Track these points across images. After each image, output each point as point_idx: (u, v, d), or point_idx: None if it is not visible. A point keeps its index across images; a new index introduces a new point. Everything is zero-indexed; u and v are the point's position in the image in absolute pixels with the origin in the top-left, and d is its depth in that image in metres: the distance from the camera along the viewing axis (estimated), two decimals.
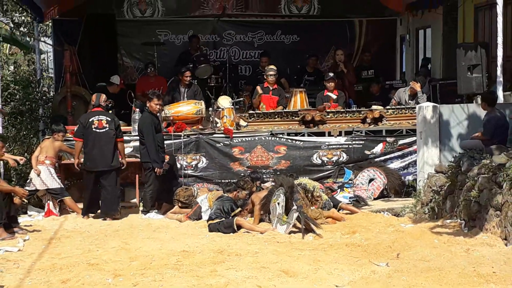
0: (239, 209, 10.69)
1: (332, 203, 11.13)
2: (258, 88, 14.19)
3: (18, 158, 11.38)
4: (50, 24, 17.13)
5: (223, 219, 10.17)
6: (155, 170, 11.46)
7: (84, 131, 11.44)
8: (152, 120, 11.58)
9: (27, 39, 19.46)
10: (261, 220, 10.71)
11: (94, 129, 11.38)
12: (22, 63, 19.99)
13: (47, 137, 12.47)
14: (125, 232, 10.25)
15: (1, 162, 11.22)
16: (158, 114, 11.91)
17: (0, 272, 7.67)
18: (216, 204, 10.49)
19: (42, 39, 18.10)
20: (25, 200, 11.16)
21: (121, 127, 12.83)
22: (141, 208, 11.84)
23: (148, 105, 11.66)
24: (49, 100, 15.13)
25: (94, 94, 12.02)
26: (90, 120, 11.44)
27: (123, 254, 8.53)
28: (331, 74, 14.20)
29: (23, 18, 19.75)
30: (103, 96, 11.72)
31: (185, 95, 14.11)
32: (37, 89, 14.87)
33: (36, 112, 14.39)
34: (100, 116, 11.43)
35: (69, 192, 11.84)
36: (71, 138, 12.03)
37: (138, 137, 11.93)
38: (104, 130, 11.37)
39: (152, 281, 7.16)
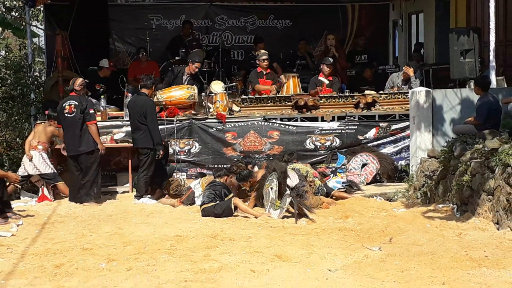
0: (231, 194, 10.69)
1: (324, 189, 11.17)
2: (258, 87, 14.05)
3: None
4: (42, 8, 17.02)
5: (218, 202, 10.18)
6: (159, 153, 11.47)
7: (60, 116, 11.44)
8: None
9: (19, 23, 19.34)
10: (254, 206, 10.74)
11: (66, 114, 11.36)
12: (13, 47, 19.89)
13: (39, 122, 12.43)
14: (119, 217, 10.25)
15: None
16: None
17: None
18: (208, 189, 10.49)
19: (33, 23, 17.98)
20: (18, 186, 11.15)
21: (113, 112, 12.84)
22: (134, 193, 11.81)
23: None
24: (41, 84, 15.07)
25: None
26: (63, 105, 11.44)
27: (116, 239, 8.54)
28: (331, 60, 14.17)
29: (14, 2, 19.63)
30: (78, 81, 11.59)
31: (186, 84, 14.00)
32: (28, 74, 14.81)
33: (28, 97, 14.33)
34: (70, 101, 11.37)
35: (62, 177, 11.81)
36: None
37: (130, 122, 11.83)
38: (72, 115, 11.31)
39: (146, 266, 7.17)
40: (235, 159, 12.49)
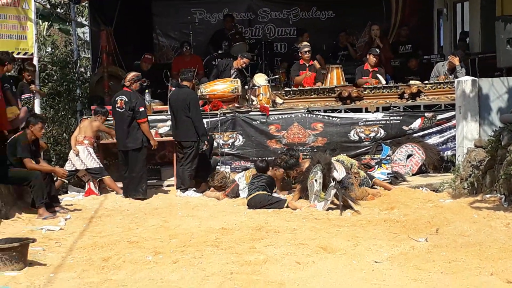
0: (276, 188, 10.72)
1: (369, 180, 11.11)
2: (298, 79, 14.00)
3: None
4: (87, 5, 17.21)
5: (269, 193, 10.24)
6: (204, 145, 11.52)
7: (112, 109, 11.56)
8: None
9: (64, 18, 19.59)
10: (299, 198, 10.74)
11: (117, 109, 11.44)
12: (59, 44, 20.14)
13: (85, 117, 12.58)
14: (164, 210, 10.33)
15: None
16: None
17: (43, 251, 7.79)
18: (257, 181, 10.46)
19: (78, 20, 18.19)
20: (66, 180, 11.32)
21: (158, 106, 12.91)
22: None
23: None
24: (86, 80, 15.25)
25: None
26: (115, 99, 11.53)
27: (162, 232, 8.61)
28: (378, 50, 14.05)
29: None
30: (129, 75, 11.61)
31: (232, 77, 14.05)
32: (74, 70, 15.00)
33: (74, 93, 14.50)
34: (122, 96, 11.41)
35: (108, 172, 11.94)
36: (111, 119, 12.12)
37: (172, 115, 11.86)
38: (122, 110, 11.38)
39: (192, 258, 7.21)
40: (279, 151, 12.49)
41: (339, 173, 10.26)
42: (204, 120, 12.38)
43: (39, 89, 11.92)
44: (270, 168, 10.88)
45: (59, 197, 10.95)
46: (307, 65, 14.11)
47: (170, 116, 12.07)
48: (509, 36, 11.74)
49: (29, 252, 7.30)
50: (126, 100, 11.33)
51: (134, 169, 11.39)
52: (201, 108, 12.66)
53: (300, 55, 14.20)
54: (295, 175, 11.17)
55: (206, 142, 11.69)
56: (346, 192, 9.97)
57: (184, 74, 12.04)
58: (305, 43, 14.28)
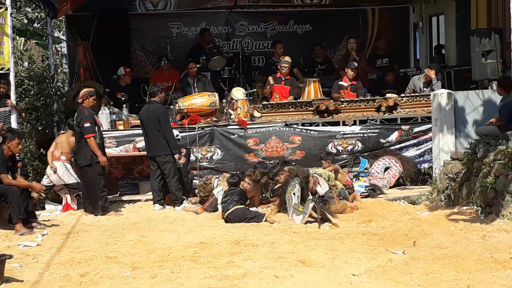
0: (248, 201, 10.74)
1: (347, 192, 11.15)
2: (270, 78, 14.18)
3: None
4: (64, 19, 17.18)
5: (246, 207, 10.31)
6: (177, 158, 11.53)
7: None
8: None
9: (41, 33, 19.53)
10: (277, 211, 10.76)
11: (75, 127, 11.44)
12: (36, 58, 20.06)
13: (62, 132, 12.52)
14: (142, 225, 10.30)
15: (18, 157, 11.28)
16: None
17: (20, 267, 7.73)
18: (231, 195, 10.45)
19: (55, 34, 18.14)
20: (43, 195, 11.25)
21: (135, 121, 12.88)
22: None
23: None
24: (63, 95, 15.19)
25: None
26: (74, 118, 11.52)
27: (140, 247, 8.58)
28: (356, 64, 14.14)
29: (36, 14, 19.81)
30: (81, 92, 11.53)
31: (195, 86, 14.19)
32: (51, 84, 14.93)
33: (51, 107, 14.45)
34: (76, 113, 11.42)
35: None
36: None
37: (144, 131, 11.82)
38: (76, 127, 11.37)
39: (170, 273, 7.20)
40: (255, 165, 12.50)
41: (322, 187, 10.33)
42: (182, 134, 12.42)
43: (16, 105, 11.85)
44: (242, 182, 10.84)
45: (36, 212, 10.88)
46: (283, 78, 14.14)
47: (142, 133, 12.03)
48: (484, 49, 11.88)
49: (6, 269, 7.23)
50: (76, 116, 11.31)
51: (88, 186, 11.31)
52: (179, 122, 12.71)
53: (278, 67, 14.23)
54: (269, 183, 11.22)
55: (178, 155, 11.66)
56: (324, 206, 9.99)
57: (150, 89, 12.03)
58: (286, 58, 14.27)
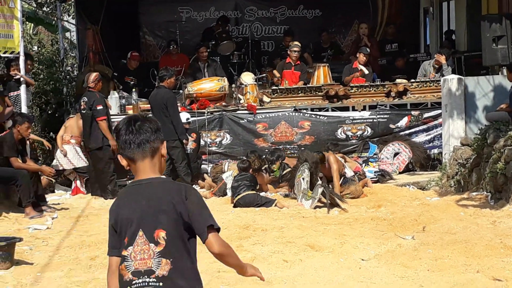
0: (258, 187, 10.77)
1: (356, 178, 11.15)
2: (276, 72, 14.07)
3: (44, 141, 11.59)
4: (73, 3, 17.17)
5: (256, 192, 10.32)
6: (185, 143, 11.55)
7: (79, 112, 11.59)
8: None
9: (50, 18, 19.52)
10: (286, 195, 10.78)
11: (82, 111, 11.44)
12: (46, 43, 20.06)
13: (71, 116, 12.55)
14: None
15: (28, 141, 11.33)
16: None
17: (30, 250, 7.77)
18: (242, 180, 10.45)
19: (65, 18, 18.13)
20: (52, 179, 11.28)
21: (145, 105, 12.88)
22: None
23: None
24: (73, 79, 15.21)
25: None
26: (79, 102, 11.55)
27: None
28: (368, 50, 14.07)
29: None
30: (91, 76, 11.51)
31: (205, 71, 14.17)
32: (61, 69, 14.95)
33: (61, 92, 14.47)
34: (84, 98, 11.39)
35: None
36: None
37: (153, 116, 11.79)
38: (84, 111, 11.35)
39: None
40: (267, 150, 12.52)
41: (349, 171, 10.45)
42: (192, 119, 12.42)
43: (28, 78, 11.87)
44: (251, 170, 10.84)
45: (46, 196, 10.91)
46: (293, 64, 14.09)
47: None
48: (494, 35, 11.80)
49: (16, 251, 7.28)
50: (86, 100, 11.30)
51: (98, 169, 11.34)
52: (188, 106, 12.72)
53: (288, 53, 14.18)
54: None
55: (186, 141, 11.68)
56: (333, 190, 10.00)
57: (161, 74, 12.03)
58: (296, 42, 14.23)
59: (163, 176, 3.55)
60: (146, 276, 3.27)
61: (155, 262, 3.27)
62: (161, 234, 3.29)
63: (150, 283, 3.26)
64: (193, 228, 3.33)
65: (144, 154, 3.49)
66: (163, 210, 3.32)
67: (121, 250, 3.36)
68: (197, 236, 3.37)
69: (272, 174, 11.45)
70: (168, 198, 3.34)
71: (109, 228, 3.48)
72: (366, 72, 13.72)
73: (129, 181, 3.82)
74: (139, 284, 3.27)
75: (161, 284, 3.26)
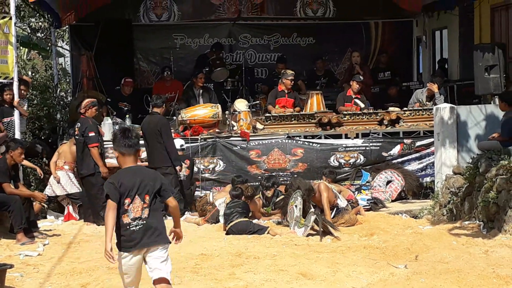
0: (250, 213, 10.75)
1: (350, 207, 11.14)
2: (270, 107, 13.93)
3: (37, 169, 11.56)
4: (67, 29, 17.23)
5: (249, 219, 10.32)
6: (178, 169, 11.54)
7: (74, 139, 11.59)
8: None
9: (45, 43, 19.59)
10: (278, 223, 10.76)
11: (75, 136, 11.43)
12: (39, 68, 20.11)
13: (64, 142, 12.53)
14: None
15: (21, 167, 11.31)
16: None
17: (20, 277, 7.73)
18: (234, 207, 10.44)
19: (59, 44, 18.19)
20: (45, 205, 11.24)
21: (138, 131, 12.85)
22: None
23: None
24: (67, 105, 15.21)
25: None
26: (74, 127, 11.55)
27: None
28: (361, 78, 14.12)
29: (40, 23, 19.86)
30: (83, 102, 11.52)
31: (200, 98, 14.20)
32: (54, 94, 14.95)
33: (54, 117, 14.47)
34: (77, 123, 11.40)
35: None
36: None
37: (145, 143, 11.80)
38: (77, 137, 11.36)
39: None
40: (260, 177, 12.51)
41: (342, 201, 10.43)
42: (185, 145, 12.41)
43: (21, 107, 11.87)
44: (243, 197, 10.83)
45: (38, 222, 10.87)
46: (286, 91, 14.03)
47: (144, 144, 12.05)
48: (487, 64, 11.90)
49: (7, 278, 7.24)
50: (79, 126, 11.30)
51: (91, 195, 11.29)
52: (182, 133, 12.74)
53: (282, 80, 14.06)
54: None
55: (179, 167, 11.67)
56: (325, 218, 9.99)
57: (154, 100, 12.04)
58: (291, 71, 14.17)
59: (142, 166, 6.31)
60: (138, 220, 5.61)
61: (143, 212, 5.62)
62: (147, 197, 5.65)
63: (139, 223, 5.60)
64: (162, 194, 5.73)
65: (131, 152, 5.77)
66: (149, 184, 5.68)
67: (123, 205, 5.59)
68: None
69: (265, 209, 11.45)
70: (152, 177, 5.78)
71: (112, 187, 5.60)
72: (362, 105, 13.73)
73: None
74: (134, 223, 5.59)
75: (144, 222, 5.61)
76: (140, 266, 5.70)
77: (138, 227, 5.58)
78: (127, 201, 5.57)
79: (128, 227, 5.58)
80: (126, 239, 5.60)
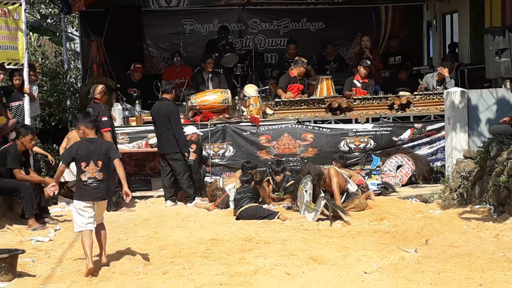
0: (261, 199, 10.76)
1: (360, 191, 11.14)
2: (280, 91, 13.85)
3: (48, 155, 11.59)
4: (77, 15, 17.22)
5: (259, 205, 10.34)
6: (187, 156, 11.55)
7: None
8: None
9: (55, 29, 19.61)
10: (288, 208, 10.77)
11: None
12: (49, 54, 20.14)
13: (73, 128, 12.55)
14: (154, 221, 10.32)
15: (32, 153, 11.35)
16: None
17: (32, 262, 7.78)
18: (245, 192, 10.46)
19: (69, 30, 18.20)
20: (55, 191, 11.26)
21: (148, 117, 12.88)
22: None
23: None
24: (77, 91, 15.23)
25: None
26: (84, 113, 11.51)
27: (152, 243, 8.60)
28: (368, 62, 14.06)
29: (50, 10, 19.87)
30: (98, 88, 11.51)
31: (210, 83, 14.18)
32: (64, 80, 14.97)
33: (64, 103, 14.49)
34: (88, 109, 11.32)
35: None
36: None
37: (155, 128, 11.83)
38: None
39: (182, 269, 7.22)
40: (269, 162, 12.52)
41: (352, 186, 10.42)
42: (195, 131, 12.41)
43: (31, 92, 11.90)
44: (253, 183, 10.83)
45: (49, 208, 10.91)
46: (298, 78, 14.00)
47: (154, 129, 12.07)
48: (498, 48, 11.79)
49: (18, 263, 7.29)
50: (92, 112, 11.28)
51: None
52: (192, 118, 12.74)
53: (298, 68, 13.94)
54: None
55: (187, 154, 11.69)
56: (335, 203, 9.99)
57: (163, 86, 12.04)
58: (303, 59, 14.10)
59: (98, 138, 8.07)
60: (93, 179, 7.47)
61: (97, 173, 7.48)
62: (100, 162, 7.50)
63: (94, 182, 7.46)
64: (110, 156, 7.58)
65: (92, 127, 7.69)
66: (102, 153, 7.55)
67: (80, 167, 7.48)
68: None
69: (276, 194, 11.47)
70: (104, 146, 7.66)
71: (68, 152, 7.70)
72: (358, 85, 13.67)
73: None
74: (90, 181, 7.46)
75: (98, 183, 7.48)
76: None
77: (92, 184, 7.46)
78: (83, 164, 7.46)
79: (85, 183, 7.47)
80: (81, 193, 7.55)
